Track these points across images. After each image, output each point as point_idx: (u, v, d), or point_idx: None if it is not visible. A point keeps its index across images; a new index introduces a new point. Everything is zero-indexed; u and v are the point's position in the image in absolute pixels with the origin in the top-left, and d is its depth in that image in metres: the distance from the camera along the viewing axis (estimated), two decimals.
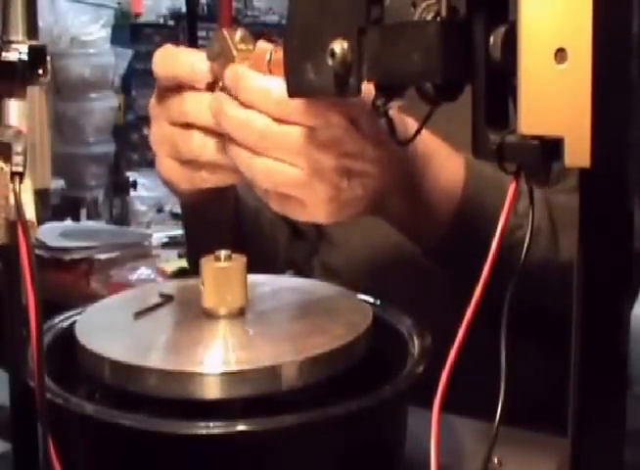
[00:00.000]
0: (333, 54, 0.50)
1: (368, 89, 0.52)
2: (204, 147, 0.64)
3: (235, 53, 0.60)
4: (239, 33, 0.60)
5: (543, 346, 0.80)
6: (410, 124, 0.63)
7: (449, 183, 0.68)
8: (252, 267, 0.62)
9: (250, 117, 0.58)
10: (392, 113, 0.61)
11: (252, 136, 0.58)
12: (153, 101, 0.67)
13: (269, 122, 0.58)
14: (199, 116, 0.63)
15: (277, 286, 0.70)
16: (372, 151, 0.61)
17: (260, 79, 0.58)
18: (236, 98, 0.59)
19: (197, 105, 0.63)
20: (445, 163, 0.68)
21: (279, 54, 0.56)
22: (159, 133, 0.67)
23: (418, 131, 0.56)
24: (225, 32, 0.60)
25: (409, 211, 0.68)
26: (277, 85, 0.57)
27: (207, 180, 0.67)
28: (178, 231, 2.61)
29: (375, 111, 0.52)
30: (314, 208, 0.61)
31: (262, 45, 0.60)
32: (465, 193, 0.68)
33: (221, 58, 0.61)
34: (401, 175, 0.65)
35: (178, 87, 0.64)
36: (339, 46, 0.50)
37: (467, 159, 0.69)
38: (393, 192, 0.65)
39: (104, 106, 3.30)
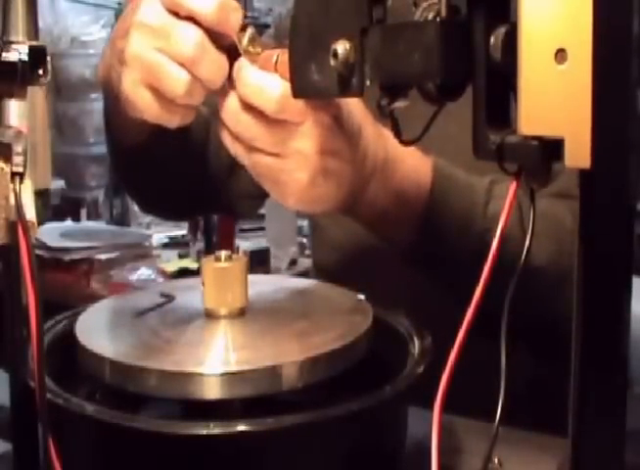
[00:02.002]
0: (335, 54, 0.51)
1: None
2: (191, 93, 0.59)
3: (243, 56, 0.60)
4: (247, 34, 0.60)
5: (542, 347, 0.80)
6: (385, 134, 0.65)
7: (417, 185, 0.70)
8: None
9: (242, 113, 0.59)
10: (361, 118, 0.63)
11: (242, 130, 0.59)
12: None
13: (252, 121, 0.59)
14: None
15: (277, 286, 0.70)
16: (348, 151, 0.62)
17: (256, 76, 0.58)
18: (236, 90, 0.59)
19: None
20: (414, 165, 0.70)
21: (286, 56, 0.57)
22: (139, 53, 0.59)
23: (425, 130, 0.56)
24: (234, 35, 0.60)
25: (377, 213, 0.69)
26: (271, 83, 0.57)
27: (181, 120, 0.62)
28: (179, 232, 2.61)
29: (379, 111, 0.52)
30: (287, 190, 0.61)
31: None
32: (432, 194, 0.70)
33: (229, 60, 0.60)
34: (371, 177, 0.66)
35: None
36: (341, 47, 0.50)
37: (436, 162, 0.71)
38: (363, 193, 0.66)
39: None
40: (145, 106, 0.61)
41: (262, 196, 1.03)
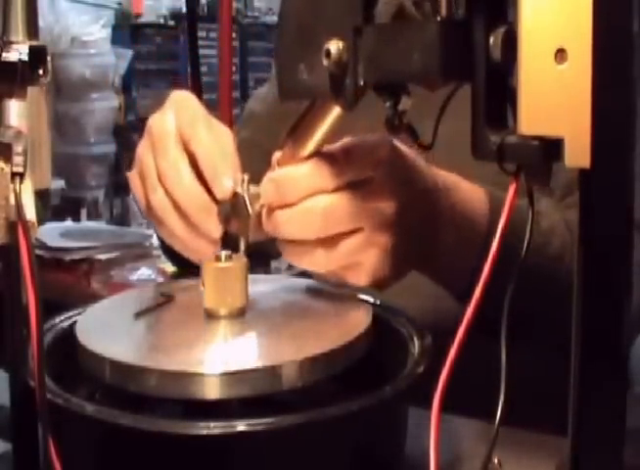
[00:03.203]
0: (328, 54, 0.50)
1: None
2: (162, 205, 0.64)
3: (249, 206, 0.61)
4: (245, 179, 0.62)
5: (544, 346, 0.80)
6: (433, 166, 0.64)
7: (476, 212, 0.66)
8: None
9: (311, 207, 0.58)
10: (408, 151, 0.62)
11: (316, 223, 0.58)
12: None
13: (330, 198, 0.58)
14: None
15: (277, 286, 0.70)
16: (406, 189, 0.61)
17: (296, 168, 0.59)
18: (286, 202, 0.59)
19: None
20: (468, 193, 0.67)
21: (282, 155, 0.59)
22: (139, 154, 0.66)
23: (436, 129, 0.55)
24: (238, 192, 0.61)
25: (440, 248, 0.66)
26: (313, 162, 0.58)
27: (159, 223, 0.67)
28: None
29: (388, 125, 0.52)
30: (377, 265, 0.61)
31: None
32: (491, 217, 0.66)
33: (235, 214, 0.62)
34: (433, 208, 0.64)
35: None
36: (334, 46, 0.50)
37: (486, 189, 0.68)
38: (428, 229, 0.64)
39: (104, 106, 3.31)
40: (137, 194, 0.67)
41: None
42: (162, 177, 0.63)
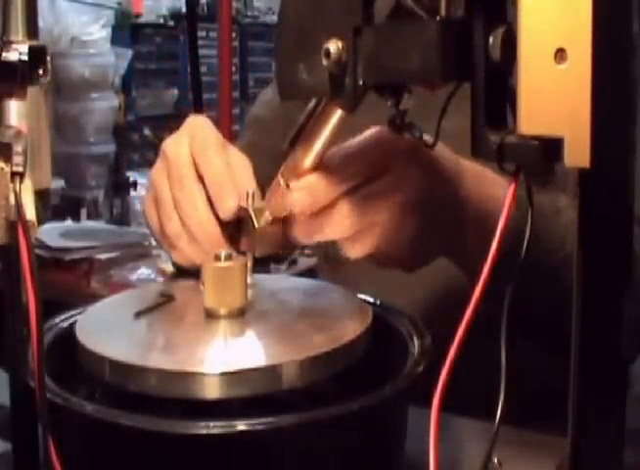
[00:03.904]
0: (328, 54, 0.50)
1: None
2: (177, 233, 0.65)
3: (255, 221, 0.61)
4: (249, 201, 0.62)
5: (544, 345, 0.80)
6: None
7: (501, 197, 0.66)
8: None
9: (339, 208, 0.59)
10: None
11: (347, 223, 0.59)
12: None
13: (355, 197, 0.59)
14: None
15: (277, 286, 0.70)
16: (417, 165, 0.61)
17: (312, 178, 0.59)
18: (319, 207, 0.59)
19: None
20: (493, 178, 0.66)
21: (285, 167, 0.60)
22: (153, 178, 0.67)
23: (438, 128, 0.55)
24: (244, 207, 0.62)
25: (467, 233, 0.65)
26: (335, 164, 0.58)
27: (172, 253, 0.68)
28: None
29: (392, 126, 0.52)
30: (402, 244, 0.61)
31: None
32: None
33: (242, 231, 0.63)
34: (453, 192, 0.64)
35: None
36: (334, 46, 0.50)
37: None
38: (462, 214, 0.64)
39: (104, 106, 3.31)
40: (151, 219, 0.68)
41: None
42: (177, 206, 0.64)
